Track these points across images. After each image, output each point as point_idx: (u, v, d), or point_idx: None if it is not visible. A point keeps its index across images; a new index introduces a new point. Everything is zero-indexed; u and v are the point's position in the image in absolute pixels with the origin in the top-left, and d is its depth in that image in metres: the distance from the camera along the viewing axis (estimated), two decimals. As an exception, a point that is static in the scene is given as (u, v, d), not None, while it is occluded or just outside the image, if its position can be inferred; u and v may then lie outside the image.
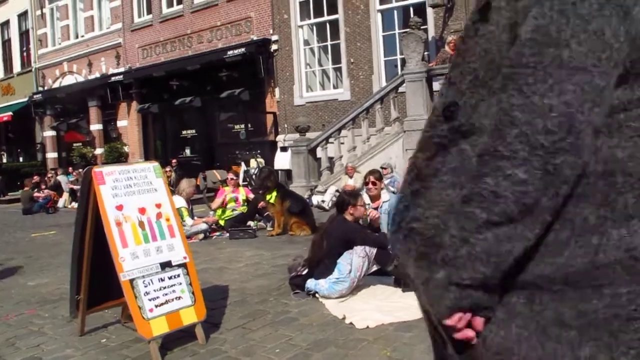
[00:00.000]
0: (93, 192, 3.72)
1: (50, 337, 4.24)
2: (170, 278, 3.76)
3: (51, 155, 25.05)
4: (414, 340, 3.65)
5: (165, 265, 3.77)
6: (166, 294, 3.70)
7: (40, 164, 24.92)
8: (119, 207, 3.69)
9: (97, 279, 4.04)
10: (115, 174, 3.76)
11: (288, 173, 14.40)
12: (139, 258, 3.66)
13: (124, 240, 3.63)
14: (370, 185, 5.73)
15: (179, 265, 3.85)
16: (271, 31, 16.85)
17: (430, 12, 13.90)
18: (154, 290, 3.65)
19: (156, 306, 3.62)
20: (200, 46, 18.58)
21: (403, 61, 13.21)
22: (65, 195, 17.59)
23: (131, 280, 3.58)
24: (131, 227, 3.70)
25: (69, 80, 23.77)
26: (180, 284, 3.81)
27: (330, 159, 13.30)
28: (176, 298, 3.75)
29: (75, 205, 16.99)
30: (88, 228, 3.86)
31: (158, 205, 3.90)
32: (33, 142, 26.37)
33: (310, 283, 4.86)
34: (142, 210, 3.80)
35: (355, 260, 4.71)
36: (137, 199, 3.80)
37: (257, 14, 17.16)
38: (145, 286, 3.62)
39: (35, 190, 16.73)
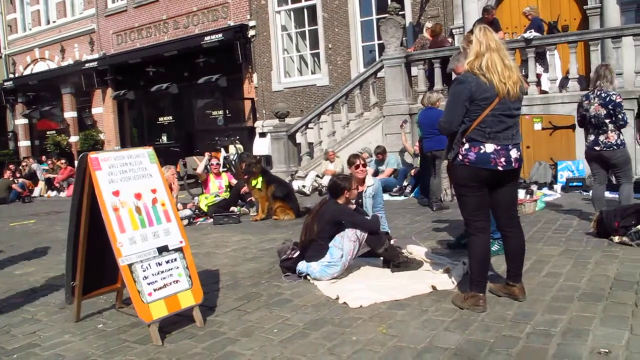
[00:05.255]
0: (89, 178, 3.74)
1: (45, 323, 4.27)
2: (167, 262, 3.82)
3: (24, 143, 24.61)
4: (407, 317, 3.78)
5: (163, 250, 3.82)
6: (164, 278, 3.76)
7: (13, 153, 24.49)
8: (116, 193, 3.72)
9: (91, 265, 4.07)
10: (110, 160, 3.78)
11: (267, 159, 14.43)
12: (136, 243, 3.71)
13: (121, 225, 3.66)
14: (362, 168, 5.80)
15: (176, 250, 3.90)
16: (248, 17, 16.76)
17: (407, -3, 13.97)
18: (152, 275, 3.70)
19: (155, 290, 3.68)
20: (176, 32, 18.38)
21: (380, 47, 13.30)
22: (41, 184, 17.36)
23: (130, 265, 3.62)
24: (128, 213, 3.73)
25: (41, 67, 23.32)
26: (178, 267, 3.86)
27: (310, 144, 13.37)
28: (174, 282, 3.80)
29: (51, 194, 16.86)
30: (83, 214, 3.88)
31: (153, 191, 3.93)
32: (4, 131, 25.85)
33: (302, 265, 4.95)
34: (138, 196, 3.83)
35: (346, 244, 4.80)
36: (133, 184, 3.83)
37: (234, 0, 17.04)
38: (144, 270, 3.67)
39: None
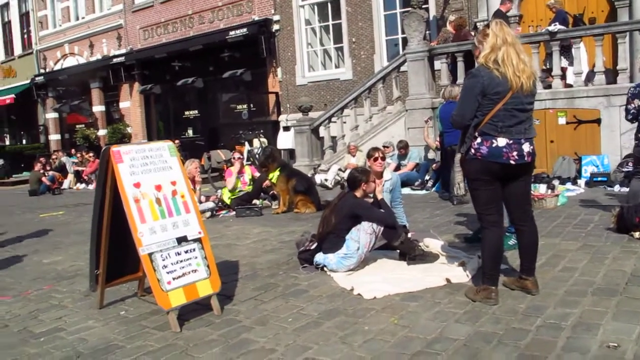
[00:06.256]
0: (111, 170, 3.88)
1: (71, 309, 4.43)
2: (186, 252, 3.94)
3: (54, 137, 25.16)
4: (419, 309, 3.84)
5: (182, 240, 3.95)
6: (183, 267, 3.88)
7: (43, 146, 25.06)
8: (137, 185, 3.85)
9: (114, 255, 4.21)
10: (132, 153, 3.91)
11: (291, 152, 14.54)
12: (156, 233, 3.83)
13: (142, 216, 3.79)
14: (380, 161, 5.83)
15: (194, 240, 4.02)
16: (272, 11, 16.86)
17: (431, -10, 13.91)
18: (172, 264, 3.83)
19: (174, 279, 3.80)
20: (201, 27, 18.58)
21: (404, 40, 13.27)
22: (70, 177, 17.75)
23: (150, 254, 3.75)
24: (148, 204, 3.86)
25: (70, 62, 23.77)
26: (196, 257, 3.98)
27: (333, 138, 13.44)
28: (192, 271, 3.92)
29: (79, 186, 17.24)
30: (106, 205, 4.02)
31: (173, 183, 4.06)
32: (35, 125, 26.47)
33: (319, 257, 5.04)
34: (159, 188, 3.96)
35: (362, 237, 4.87)
36: (153, 176, 3.96)
37: (259, -6, 17.15)
38: (163, 260, 3.79)
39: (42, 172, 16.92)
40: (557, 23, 10.30)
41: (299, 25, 16.56)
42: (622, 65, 9.81)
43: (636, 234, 5.42)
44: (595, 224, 6.28)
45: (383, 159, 5.94)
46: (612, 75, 10.24)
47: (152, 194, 3.91)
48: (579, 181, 9.47)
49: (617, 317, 3.44)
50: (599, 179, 9.26)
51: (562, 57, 10.42)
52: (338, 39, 16.08)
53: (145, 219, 3.81)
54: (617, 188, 8.75)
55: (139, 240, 3.74)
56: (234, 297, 4.40)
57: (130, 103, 21.53)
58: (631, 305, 3.63)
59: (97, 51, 22.33)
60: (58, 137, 25.15)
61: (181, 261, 3.88)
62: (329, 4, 16.16)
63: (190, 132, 20.13)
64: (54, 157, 19.85)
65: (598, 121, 9.73)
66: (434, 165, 10.52)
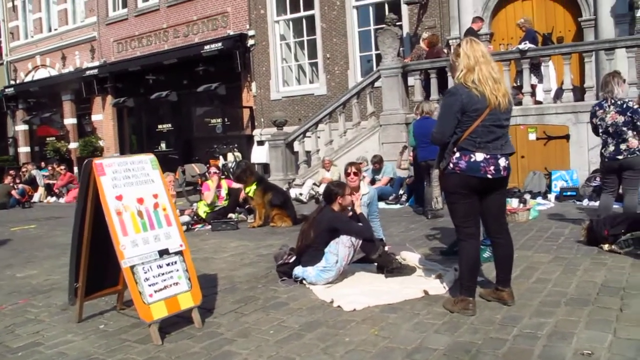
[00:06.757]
0: (93, 183, 3.88)
1: (48, 324, 4.39)
2: (168, 265, 3.95)
3: (23, 149, 24.73)
4: (399, 320, 3.91)
5: (163, 253, 3.96)
6: (164, 280, 3.88)
7: (12, 159, 24.60)
8: (119, 197, 3.85)
9: (94, 267, 4.20)
10: (114, 165, 3.92)
11: (265, 166, 14.58)
12: (138, 246, 3.84)
13: (124, 228, 3.80)
14: (353, 176, 5.93)
15: (176, 253, 4.03)
16: (248, 26, 16.96)
17: (405, 9, 14.19)
18: (153, 277, 3.83)
19: (155, 291, 3.80)
20: (176, 40, 18.57)
21: (378, 57, 13.49)
22: (41, 190, 17.47)
23: (132, 267, 3.75)
24: (130, 216, 3.86)
25: (42, 73, 23.46)
26: (178, 270, 3.99)
27: (308, 152, 13.52)
28: (174, 284, 3.93)
29: (50, 199, 16.97)
30: (87, 218, 4.01)
31: (155, 196, 4.07)
32: (5, 137, 25.97)
33: (298, 270, 5.08)
34: (140, 200, 3.97)
35: (341, 250, 4.93)
36: (135, 189, 3.97)
37: (234, 9, 17.24)
38: (145, 272, 3.80)
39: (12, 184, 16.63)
40: (527, 42, 10.60)
41: (274, 40, 16.68)
42: (589, 83, 10.13)
43: (605, 247, 5.59)
44: (566, 237, 6.45)
45: (356, 174, 6.03)
46: (579, 92, 10.56)
47: (134, 206, 3.91)
48: (549, 195, 9.70)
49: (590, 325, 3.56)
50: (569, 193, 9.51)
51: (532, 74, 10.72)
52: (312, 54, 16.25)
53: (128, 232, 3.81)
54: (585, 202, 9.01)
55: (121, 253, 3.74)
56: (214, 310, 4.41)
57: (103, 116, 21.33)
58: (603, 314, 3.76)
59: (70, 63, 22.10)
60: (28, 149, 24.73)
61: (163, 274, 3.89)
62: (304, 20, 16.34)
63: (163, 145, 19.98)
64: (23, 169, 19.52)
65: (567, 137, 10.02)
66: (408, 179, 10.66)
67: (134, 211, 3.90)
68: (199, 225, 9.26)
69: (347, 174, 6.06)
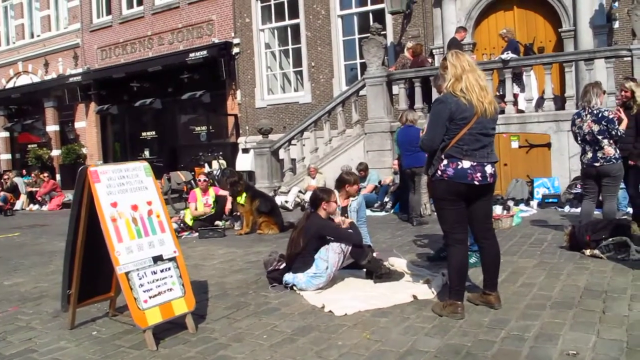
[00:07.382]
0: (88, 190, 3.92)
1: (40, 331, 4.40)
2: (162, 271, 4.00)
3: (4, 157, 24.44)
4: (390, 324, 3.99)
5: (157, 259, 4.01)
6: (159, 286, 3.93)
7: (-7, 166, 24.32)
8: (114, 204, 3.90)
9: (87, 274, 4.22)
10: (109, 172, 3.97)
11: (250, 174, 14.62)
12: (133, 252, 3.88)
13: (119, 235, 3.84)
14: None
15: (170, 259, 4.09)
16: (233, 34, 17.03)
17: (389, 18, 14.37)
18: (148, 283, 3.88)
19: (150, 297, 3.85)
20: (161, 48, 18.56)
21: (362, 65, 13.64)
22: (23, 197, 17.31)
23: (127, 273, 3.80)
24: (125, 223, 3.91)
25: (24, 80, 23.24)
26: (172, 276, 4.04)
27: (293, 160, 13.59)
28: (168, 290, 3.98)
29: (33, 207, 16.82)
30: (81, 225, 4.04)
31: (149, 203, 4.12)
32: (-15, 144, 25.66)
33: (288, 276, 5.14)
34: (135, 207, 4.02)
35: (331, 256, 5.01)
36: (129, 196, 4.02)
37: (219, 17, 17.30)
38: (140, 278, 3.85)
39: (-7, 192, 16.46)
40: (509, 52, 10.81)
41: (259, 48, 16.77)
42: (569, 92, 10.36)
43: (587, 252, 5.74)
44: (549, 242, 6.60)
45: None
46: (560, 101, 10.79)
47: (128, 213, 3.96)
48: (531, 202, 9.88)
49: (575, 327, 3.68)
50: (550, 200, 9.70)
51: (514, 84, 10.93)
52: (297, 63, 16.36)
53: (122, 238, 3.86)
54: (567, 208, 9.19)
55: (116, 259, 3.78)
56: (206, 316, 4.46)
57: (86, 123, 21.19)
58: (586, 316, 3.88)
59: (53, 70, 21.95)
60: (9, 156, 24.45)
61: (157, 280, 3.94)
62: (289, 29, 16.46)
63: (147, 153, 19.90)
64: (5, 177, 19.30)
65: (548, 145, 10.22)
66: (392, 187, 10.78)
67: (128, 218, 3.95)
68: (186, 233, 9.28)
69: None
